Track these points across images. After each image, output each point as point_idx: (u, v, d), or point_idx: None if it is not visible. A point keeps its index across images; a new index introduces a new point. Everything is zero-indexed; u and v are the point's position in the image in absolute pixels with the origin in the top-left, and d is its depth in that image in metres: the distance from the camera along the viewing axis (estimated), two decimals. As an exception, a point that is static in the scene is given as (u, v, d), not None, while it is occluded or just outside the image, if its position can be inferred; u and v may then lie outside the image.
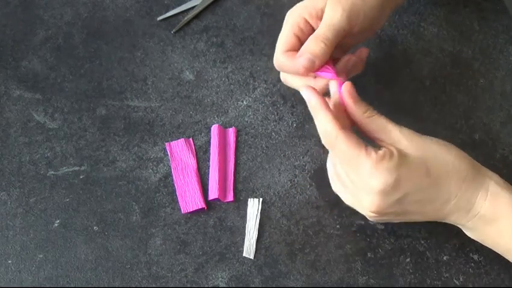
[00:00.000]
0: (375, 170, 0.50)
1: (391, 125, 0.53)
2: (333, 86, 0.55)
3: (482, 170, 0.54)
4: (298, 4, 0.59)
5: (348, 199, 0.56)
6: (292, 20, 0.58)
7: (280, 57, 0.58)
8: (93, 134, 0.66)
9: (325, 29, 0.55)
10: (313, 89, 0.53)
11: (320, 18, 0.57)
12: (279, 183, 0.63)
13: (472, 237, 0.56)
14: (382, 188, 0.51)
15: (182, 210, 0.62)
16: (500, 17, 0.71)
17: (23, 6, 0.74)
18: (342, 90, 0.53)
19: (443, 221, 0.55)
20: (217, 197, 0.61)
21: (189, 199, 0.62)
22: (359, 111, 0.53)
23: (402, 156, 0.51)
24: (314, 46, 0.55)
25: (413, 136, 0.53)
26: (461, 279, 0.59)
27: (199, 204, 0.62)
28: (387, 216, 0.54)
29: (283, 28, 0.59)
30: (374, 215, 0.53)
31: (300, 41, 0.58)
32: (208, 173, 0.64)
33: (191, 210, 0.62)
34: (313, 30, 0.57)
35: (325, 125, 0.52)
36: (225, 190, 0.63)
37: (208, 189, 0.63)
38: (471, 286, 0.59)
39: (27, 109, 0.68)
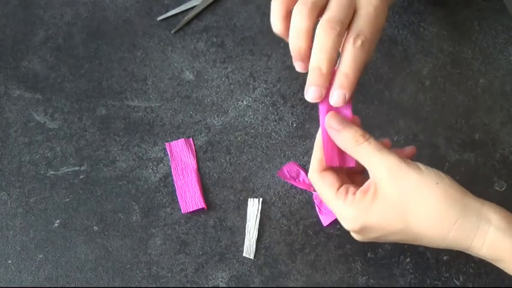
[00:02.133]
0: (342, 214, 0.50)
1: (377, 157, 0.48)
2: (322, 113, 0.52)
3: (481, 211, 0.47)
4: None
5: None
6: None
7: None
8: (93, 134, 0.66)
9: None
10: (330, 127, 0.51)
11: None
12: (279, 183, 0.63)
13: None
14: (350, 230, 0.51)
15: (182, 210, 0.62)
16: (500, 17, 0.71)
17: (23, 6, 0.74)
18: (325, 121, 0.50)
19: None
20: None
21: (189, 199, 0.62)
22: (343, 140, 0.50)
23: (375, 198, 0.48)
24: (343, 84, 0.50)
25: (398, 172, 0.47)
26: (461, 279, 0.59)
27: (199, 204, 0.62)
28: (370, 239, 0.52)
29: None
30: (356, 236, 0.52)
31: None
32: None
33: (191, 210, 0.62)
34: None
35: (311, 163, 0.52)
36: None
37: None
38: (471, 286, 0.59)
39: (27, 109, 0.68)
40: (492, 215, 0.47)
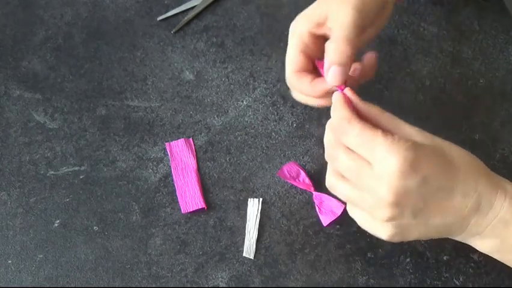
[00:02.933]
0: (394, 148, 0.47)
1: (403, 122, 0.51)
2: (335, 96, 0.53)
3: (494, 173, 0.52)
4: (299, 16, 0.56)
5: (363, 217, 0.52)
6: (296, 37, 0.55)
7: (292, 79, 0.56)
8: (93, 134, 0.66)
9: (342, 31, 0.52)
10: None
11: (324, 24, 0.54)
12: (279, 183, 0.63)
13: (486, 248, 0.52)
14: (401, 166, 0.46)
15: (182, 210, 0.62)
16: (500, 17, 0.71)
17: (23, 6, 0.74)
18: (345, 92, 0.51)
19: (462, 238, 0.52)
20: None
21: (189, 199, 0.62)
22: (367, 108, 0.51)
23: (419, 143, 0.48)
24: (337, 55, 0.52)
25: (426, 133, 0.50)
26: (461, 279, 0.59)
27: (199, 204, 0.62)
28: (406, 219, 0.49)
29: (288, 46, 0.56)
30: (391, 214, 0.48)
31: (309, 58, 0.55)
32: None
33: (191, 210, 0.62)
34: (321, 39, 0.55)
35: (339, 112, 0.50)
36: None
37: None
38: (471, 286, 0.59)
39: (27, 109, 0.68)
40: (508, 185, 0.50)
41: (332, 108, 0.51)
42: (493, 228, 0.50)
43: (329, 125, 0.51)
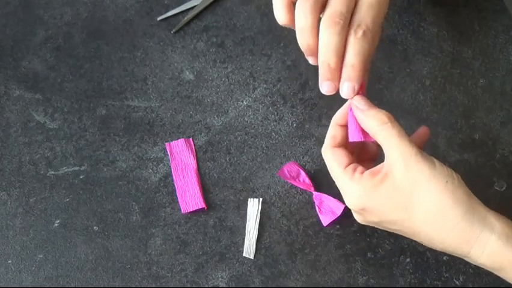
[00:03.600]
0: (346, 190, 0.50)
1: (395, 142, 0.48)
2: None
3: (486, 217, 0.47)
4: None
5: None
6: None
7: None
8: (93, 134, 0.66)
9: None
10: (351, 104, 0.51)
11: None
12: (279, 183, 0.63)
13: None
14: (352, 208, 0.51)
15: (182, 210, 0.62)
16: (500, 17, 0.71)
17: (23, 6, 0.74)
18: (353, 102, 0.51)
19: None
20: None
21: (189, 199, 0.62)
22: (368, 119, 0.50)
23: (383, 181, 0.48)
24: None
25: (411, 161, 0.47)
26: (461, 279, 0.59)
27: (199, 204, 0.62)
28: (371, 223, 0.52)
29: None
30: (355, 214, 0.52)
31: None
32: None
33: (191, 210, 0.62)
34: None
35: (326, 139, 0.53)
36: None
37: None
38: (471, 286, 0.59)
39: (27, 109, 0.68)
40: (496, 223, 0.46)
41: None
42: (477, 262, 0.48)
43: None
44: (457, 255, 0.48)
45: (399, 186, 0.47)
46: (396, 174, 0.48)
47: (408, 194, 0.47)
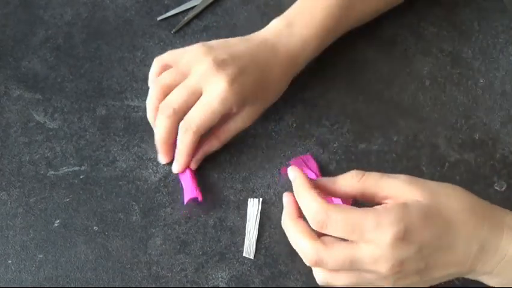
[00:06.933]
0: (381, 223, 0.46)
1: (385, 178, 0.49)
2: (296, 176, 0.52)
3: (497, 208, 0.50)
4: None
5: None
6: None
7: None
8: (93, 134, 0.66)
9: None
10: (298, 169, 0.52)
11: None
12: (279, 183, 0.63)
13: (495, 284, 0.51)
14: (392, 241, 0.46)
15: (184, 200, 0.61)
16: (500, 17, 0.71)
17: (23, 6, 0.74)
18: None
19: (470, 276, 0.51)
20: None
21: (186, 190, 0.62)
22: (344, 182, 0.50)
23: (406, 206, 0.47)
24: None
25: (416, 182, 0.49)
26: (461, 279, 0.59)
27: (194, 193, 0.61)
28: (410, 280, 0.48)
29: None
30: (393, 282, 0.48)
31: None
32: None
33: (188, 198, 0.61)
34: None
35: (311, 204, 0.49)
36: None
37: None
38: (471, 286, 0.59)
39: (27, 109, 0.68)
40: (507, 211, 0.50)
41: (296, 195, 0.51)
42: (501, 268, 0.49)
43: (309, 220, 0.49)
44: (489, 256, 0.48)
45: (422, 203, 0.47)
46: (411, 194, 0.48)
47: (434, 205, 0.48)
